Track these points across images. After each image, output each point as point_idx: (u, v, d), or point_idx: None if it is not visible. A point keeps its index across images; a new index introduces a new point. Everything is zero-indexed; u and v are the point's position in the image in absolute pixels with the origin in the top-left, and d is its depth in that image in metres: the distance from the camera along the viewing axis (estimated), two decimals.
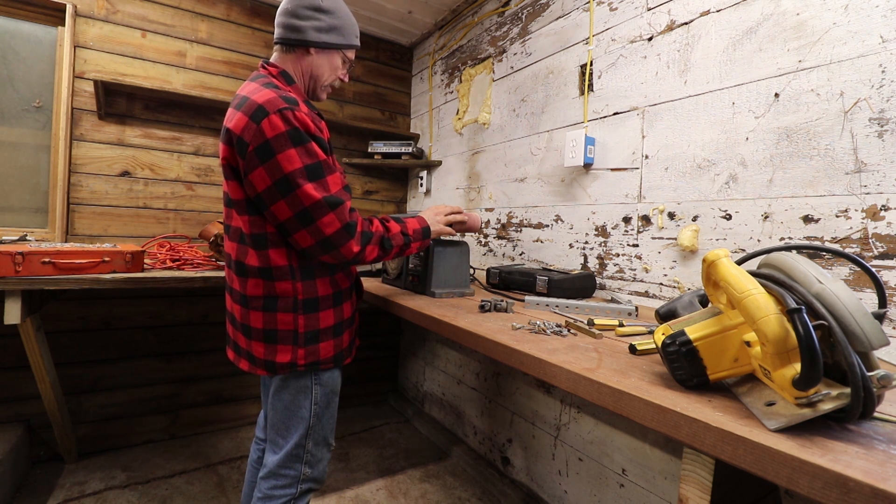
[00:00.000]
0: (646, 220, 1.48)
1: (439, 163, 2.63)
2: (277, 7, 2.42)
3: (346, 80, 1.22)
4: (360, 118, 2.78)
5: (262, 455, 1.31)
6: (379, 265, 1.99)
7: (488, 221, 2.24)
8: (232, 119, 0.99)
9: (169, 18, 2.19)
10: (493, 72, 2.20)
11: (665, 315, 0.78)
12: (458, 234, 1.27)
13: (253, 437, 2.32)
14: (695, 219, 1.34)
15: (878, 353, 0.79)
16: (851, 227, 1.03)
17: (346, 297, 1.15)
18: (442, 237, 1.32)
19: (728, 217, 1.26)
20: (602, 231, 1.63)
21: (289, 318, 1.04)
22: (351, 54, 1.19)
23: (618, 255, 1.57)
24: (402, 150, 2.66)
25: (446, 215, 1.26)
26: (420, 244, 1.18)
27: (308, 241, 0.99)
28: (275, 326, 1.04)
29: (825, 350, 0.51)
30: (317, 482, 1.15)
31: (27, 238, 1.72)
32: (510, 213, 2.09)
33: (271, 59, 1.13)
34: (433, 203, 2.72)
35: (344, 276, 1.14)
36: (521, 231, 2.02)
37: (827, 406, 0.48)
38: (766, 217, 1.18)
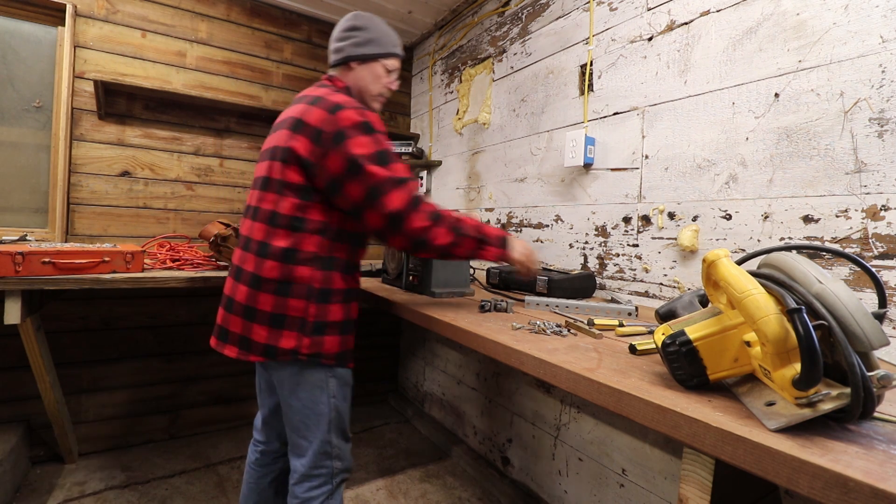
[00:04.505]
0: (646, 220, 1.48)
1: (439, 163, 2.63)
2: (277, 7, 2.43)
3: (395, 87, 1.29)
4: None
5: (262, 456, 1.31)
6: (379, 265, 1.99)
7: (488, 221, 2.24)
8: (307, 113, 1.06)
9: (169, 18, 2.19)
10: (493, 72, 2.20)
11: (665, 315, 0.78)
12: (523, 274, 1.21)
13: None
14: (695, 219, 1.34)
15: (878, 353, 0.79)
16: (851, 227, 1.03)
17: (354, 297, 1.16)
18: (507, 262, 1.21)
19: (728, 217, 1.26)
20: (602, 231, 1.63)
21: (300, 305, 1.05)
22: (391, 63, 1.25)
23: (618, 255, 1.57)
24: (402, 150, 2.66)
25: (529, 252, 1.19)
26: (497, 251, 1.13)
27: (377, 221, 1.03)
28: (284, 311, 1.05)
29: (825, 350, 0.51)
30: (348, 472, 1.17)
31: (27, 238, 1.72)
32: (510, 213, 2.09)
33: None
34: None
35: (356, 277, 1.17)
36: (521, 231, 2.02)
37: (827, 406, 0.48)
38: (766, 217, 1.18)
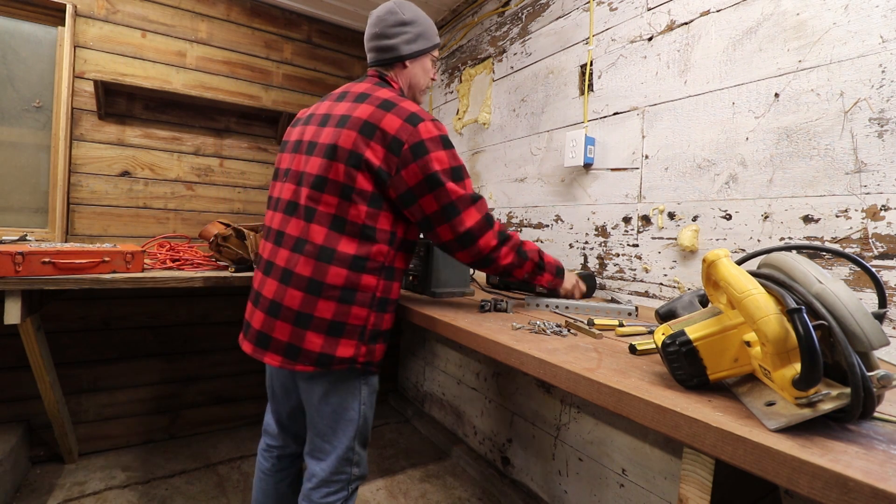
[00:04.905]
0: (646, 220, 1.48)
1: None
2: (277, 7, 2.43)
3: (436, 78, 1.28)
4: None
5: (279, 461, 1.26)
6: None
7: None
8: (381, 118, 1.02)
9: (169, 18, 2.19)
10: (493, 72, 2.20)
11: (665, 315, 0.78)
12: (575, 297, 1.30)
13: (254, 437, 2.31)
14: (695, 219, 1.34)
15: (878, 353, 0.79)
16: (851, 227, 1.03)
17: (397, 305, 1.17)
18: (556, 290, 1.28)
19: (728, 217, 1.26)
20: (602, 231, 1.63)
21: (362, 313, 1.04)
22: (437, 53, 1.25)
23: (618, 255, 1.57)
24: None
25: (577, 283, 1.30)
26: (551, 279, 1.19)
27: (448, 235, 1.05)
28: (345, 319, 1.02)
29: (825, 350, 0.51)
30: (363, 478, 1.16)
31: (27, 238, 1.72)
32: (510, 213, 2.09)
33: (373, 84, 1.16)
34: None
35: None
36: (521, 231, 2.02)
37: (827, 406, 0.48)
38: (766, 217, 1.18)
